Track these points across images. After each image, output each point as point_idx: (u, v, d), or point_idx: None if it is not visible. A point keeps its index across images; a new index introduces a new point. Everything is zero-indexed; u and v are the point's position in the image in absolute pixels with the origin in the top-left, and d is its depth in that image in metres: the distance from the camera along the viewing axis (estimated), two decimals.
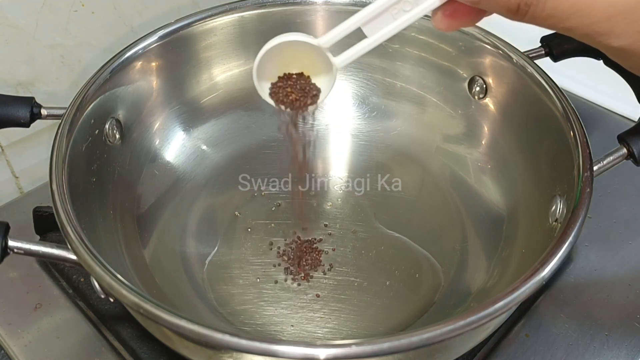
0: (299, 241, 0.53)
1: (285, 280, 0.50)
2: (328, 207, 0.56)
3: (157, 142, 0.56)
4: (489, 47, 0.54)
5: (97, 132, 0.49)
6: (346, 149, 0.61)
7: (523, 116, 0.53)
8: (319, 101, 0.41)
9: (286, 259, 0.51)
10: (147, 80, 0.55)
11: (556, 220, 0.44)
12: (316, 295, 0.49)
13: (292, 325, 0.47)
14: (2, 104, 0.46)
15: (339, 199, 0.56)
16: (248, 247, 0.52)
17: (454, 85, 0.58)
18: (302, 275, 0.50)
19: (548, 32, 0.54)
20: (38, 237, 0.54)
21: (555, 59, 0.54)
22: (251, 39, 0.59)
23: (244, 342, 0.33)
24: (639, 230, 0.56)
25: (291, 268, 0.51)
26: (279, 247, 0.52)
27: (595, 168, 0.43)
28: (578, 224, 0.39)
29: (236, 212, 0.55)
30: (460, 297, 0.48)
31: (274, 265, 0.51)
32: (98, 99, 0.49)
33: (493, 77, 0.55)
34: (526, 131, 0.52)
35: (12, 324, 0.48)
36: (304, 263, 0.51)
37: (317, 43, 0.38)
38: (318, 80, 0.41)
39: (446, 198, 0.56)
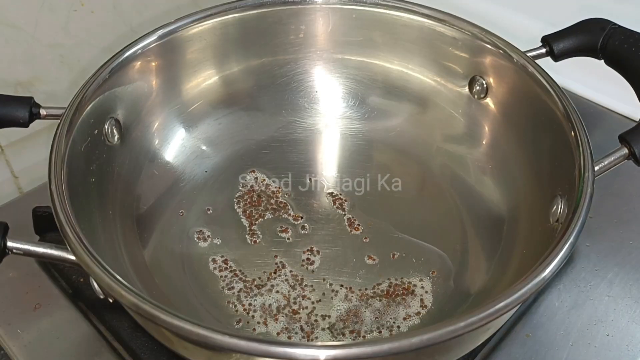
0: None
1: (287, 280, 0.50)
2: (329, 207, 0.56)
3: (156, 142, 0.56)
4: (489, 46, 0.54)
5: (96, 132, 0.49)
6: (346, 149, 0.61)
7: (524, 116, 0.53)
8: None
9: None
10: (146, 79, 0.54)
11: (557, 220, 0.44)
12: (318, 295, 0.49)
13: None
14: (1, 104, 0.46)
15: (340, 199, 0.56)
16: (248, 248, 0.52)
17: (454, 85, 0.58)
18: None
19: (549, 31, 0.54)
20: (37, 237, 0.54)
21: (556, 58, 0.54)
22: (251, 38, 0.59)
23: (243, 343, 0.32)
24: None
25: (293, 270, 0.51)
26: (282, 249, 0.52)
27: (596, 168, 0.43)
28: (579, 224, 0.39)
29: (236, 212, 0.55)
30: (461, 297, 0.48)
31: (275, 266, 0.51)
32: (97, 99, 0.49)
33: (493, 76, 0.55)
34: (527, 131, 0.52)
35: (12, 324, 0.48)
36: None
37: None
38: None
39: (446, 198, 0.56)
